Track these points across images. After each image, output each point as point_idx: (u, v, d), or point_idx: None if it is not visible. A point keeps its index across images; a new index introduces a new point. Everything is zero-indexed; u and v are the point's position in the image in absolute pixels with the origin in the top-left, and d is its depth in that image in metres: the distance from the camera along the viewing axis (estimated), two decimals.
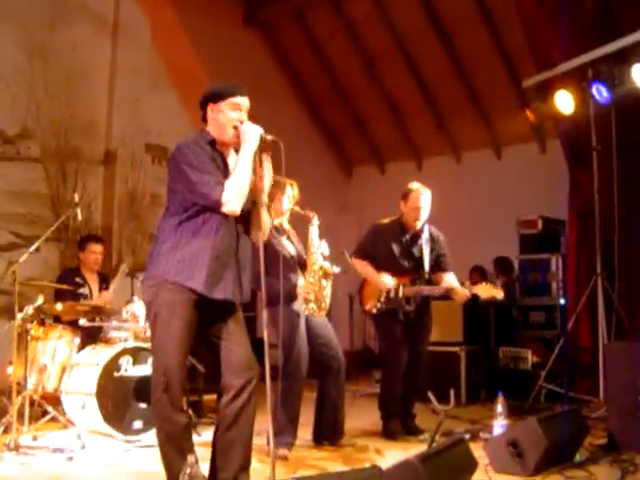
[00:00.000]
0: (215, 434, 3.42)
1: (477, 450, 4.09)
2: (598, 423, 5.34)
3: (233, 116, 3.39)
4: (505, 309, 7.86)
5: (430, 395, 4.49)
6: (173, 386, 3.27)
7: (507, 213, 8.52)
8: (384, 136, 11.28)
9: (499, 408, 4.71)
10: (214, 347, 3.43)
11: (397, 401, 5.32)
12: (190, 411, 5.26)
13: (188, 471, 2.82)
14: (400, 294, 5.26)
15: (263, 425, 3.54)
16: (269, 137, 3.39)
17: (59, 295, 6.00)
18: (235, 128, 3.38)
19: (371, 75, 10.41)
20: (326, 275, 4.90)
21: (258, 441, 4.30)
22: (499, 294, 5.11)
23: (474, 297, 5.28)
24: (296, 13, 10.17)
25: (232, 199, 3.26)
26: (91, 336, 5.71)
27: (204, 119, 3.50)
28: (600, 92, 6.28)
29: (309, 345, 4.86)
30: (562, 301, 7.62)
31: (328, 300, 4.94)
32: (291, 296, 4.74)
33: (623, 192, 6.53)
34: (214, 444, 3.42)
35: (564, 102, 6.61)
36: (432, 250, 5.41)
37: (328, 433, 4.99)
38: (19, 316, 5.03)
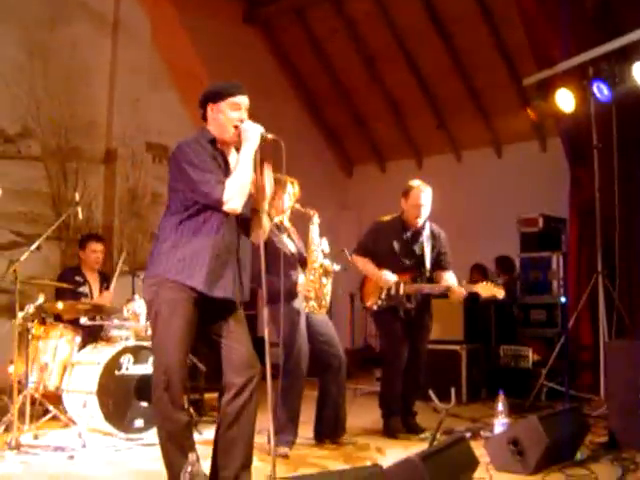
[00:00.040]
0: (216, 432, 3.43)
1: (478, 448, 4.09)
2: (599, 421, 5.34)
3: (233, 116, 3.39)
4: (506, 307, 7.86)
5: (431, 393, 4.49)
6: (174, 385, 3.27)
7: (508, 211, 8.52)
8: (384, 135, 11.28)
9: (500, 406, 4.71)
10: (215, 345, 3.43)
11: (398, 399, 5.32)
12: (191, 409, 5.26)
13: (189, 469, 2.82)
14: (401, 291, 5.26)
15: (264, 423, 3.55)
16: (270, 136, 3.39)
17: (59, 294, 6.01)
18: (236, 127, 3.38)
19: (371, 74, 10.41)
20: (326, 273, 4.90)
21: (259, 439, 4.29)
22: (500, 293, 5.10)
23: (475, 295, 5.27)
24: (296, 12, 10.16)
25: (233, 198, 3.26)
26: (92, 335, 5.71)
27: (204, 118, 3.51)
28: (601, 90, 6.28)
29: (310, 343, 4.86)
30: (563, 299, 7.63)
31: (328, 298, 4.94)
32: (291, 294, 4.74)
33: (624, 190, 6.53)
34: (215, 442, 3.42)
35: (565, 100, 6.61)
36: (433, 248, 5.41)
37: (329, 431, 4.99)
38: (20, 315, 5.04)
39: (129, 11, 8.83)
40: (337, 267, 5.02)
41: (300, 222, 5.06)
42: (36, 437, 4.94)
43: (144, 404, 5.07)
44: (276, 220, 4.79)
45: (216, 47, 9.59)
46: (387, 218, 5.50)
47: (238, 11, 10.30)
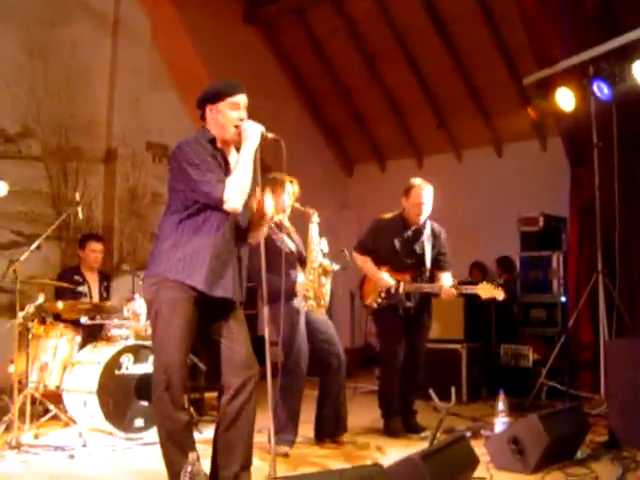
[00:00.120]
0: (216, 433, 3.43)
1: (478, 447, 4.09)
2: (599, 420, 5.34)
3: (233, 115, 3.39)
4: (506, 306, 7.84)
5: (431, 392, 4.49)
6: (174, 384, 3.27)
7: (508, 210, 8.52)
8: (385, 134, 11.27)
9: (500, 405, 4.71)
10: (214, 345, 3.43)
11: (397, 398, 5.32)
12: (191, 409, 5.27)
13: (189, 469, 2.82)
14: (401, 290, 5.26)
15: (264, 422, 3.55)
16: (270, 135, 3.40)
17: (59, 293, 6.02)
18: (236, 127, 3.38)
19: (372, 73, 10.40)
20: (326, 272, 4.89)
21: (259, 438, 4.31)
22: (499, 294, 5.08)
23: (475, 296, 5.26)
24: (296, 11, 10.15)
25: (234, 197, 3.26)
26: (92, 334, 5.71)
27: (203, 118, 3.50)
28: (601, 89, 6.28)
29: (310, 342, 4.86)
30: (563, 298, 7.63)
31: (327, 297, 4.93)
32: (291, 293, 4.74)
33: (624, 189, 6.52)
34: (215, 443, 3.42)
35: (565, 99, 6.61)
36: (434, 247, 5.41)
37: (329, 430, 4.99)
38: (20, 314, 5.05)
39: (129, 11, 8.83)
40: (336, 267, 5.02)
41: (300, 221, 5.06)
42: (36, 436, 4.95)
43: (144, 403, 5.07)
44: (276, 219, 4.79)
45: (216, 47, 9.59)
46: (388, 216, 5.50)
47: (238, 11, 10.29)
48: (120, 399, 5.07)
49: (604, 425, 5.08)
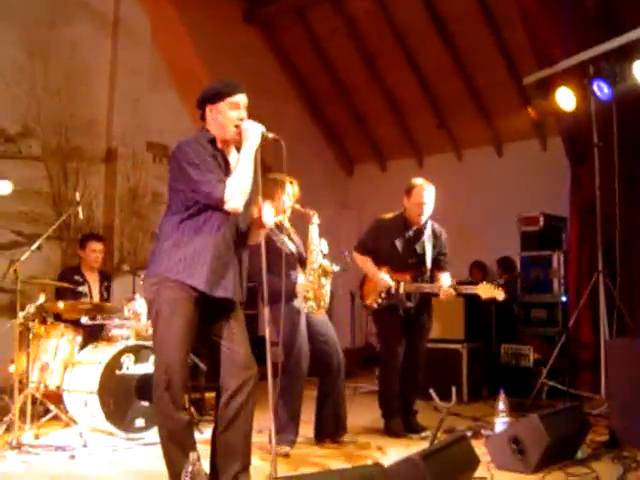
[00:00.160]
0: (214, 433, 3.43)
1: (479, 447, 4.10)
2: (600, 420, 5.34)
3: (233, 115, 3.39)
4: (506, 306, 7.84)
5: (432, 392, 4.49)
6: (175, 384, 3.27)
7: (508, 210, 8.52)
8: (385, 134, 11.27)
9: (501, 405, 4.72)
10: (213, 346, 3.43)
11: (397, 398, 5.32)
12: (192, 409, 5.27)
13: (190, 469, 2.82)
14: (401, 290, 5.26)
15: (265, 423, 3.55)
16: (270, 135, 3.40)
17: (59, 293, 6.02)
18: (237, 126, 3.38)
19: (372, 73, 10.40)
20: (325, 273, 4.90)
21: (260, 439, 4.32)
22: (500, 295, 5.08)
23: (475, 296, 5.26)
24: (296, 11, 10.15)
25: (234, 197, 3.26)
26: (93, 334, 5.72)
27: (202, 118, 3.50)
28: (601, 89, 6.28)
29: (310, 343, 4.86)
30: (563, 298, 7.63)
31: (327, 298, 4.94)
32: (292, 294, 4.74)
33: (624, 188, 6.52)
34: (213, 443, 3.43)
35: (565, 99, 6.61)
36: (434, 247, 5.41)
37: (330, 430, 5.00)
38: (21, 314, 5.05)
39: (129, 11, 8.83)
40: (336, 268, 5.02)
41: (300, 222, 5.06)
42: (37, 437, 4.95)
43: (145, 403, 5.07)
44: (276, 220, 4.79)
45: (216, 47, 9.59)
46: (389, 216, 5.50)
47: (238, 11, 10.29)
48: (121, 399, 5.07)
49: (605, 425, 5.08)
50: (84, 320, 5.60)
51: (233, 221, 3.39)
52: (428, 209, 5.31)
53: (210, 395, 5.99)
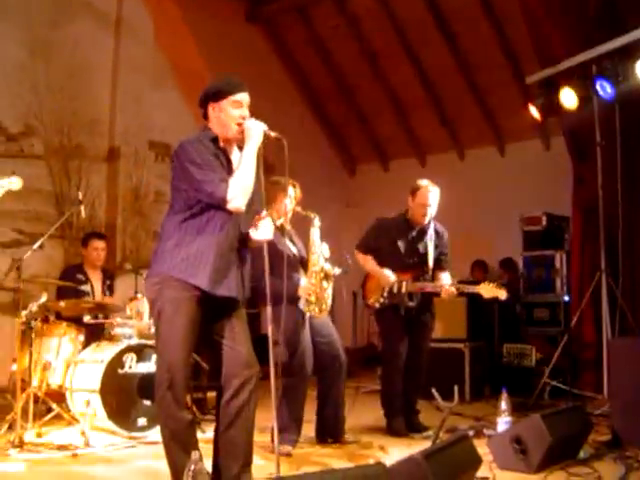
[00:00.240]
0: (216, 433, 3.43)
1: (481, 447, 4.08)
2: (602, 420, 5.34)
3: (235, 113, 3.38)
4: (509, 306, 7.85)
5: (434, 392, 4.49)
6: (177, 383, 3.27)
7: (511, 209, 8.52)
8: (387, 133, 11.27)
9: (503, 405, 4.71)
10: (215, 345, 3.43)
11: (399, 397, 5.32)
12: (194, 408, 5.27)
13: (192, 468, 2.81)
14: (403, 289, 5.26)
15: (267, 422, 3.54)
16: (273, 134, 3.39)
17: (61, 292, 6.02)
18: (239, 125, 3.38)
19: (374, 71, 10.40)
20: (327, 277, 4.90)
21: (262, 438, 4.31)
22: (502, 294, 5.09)
23: (477, 295, 5.26)
24: (298, 10, 10.15)
25: (237, 196, 3.25)
26: (95, 333, 5.71)
27: (205, 117, 3.50)
28: (604, 88, 6.27)
29: (312, 343, 4.86)
30: (566, 297, 7.63)
31: (329, 301, 4.94)
32: (294, 296, 4.74)
33: (627, 188, 6.52)
34: (215, 443, 3.42)
35: (568, 98, 6.60)
36: (436, 247, 5.42)
37: (331, 430, 4.99)
38: (23, 313, 5.05)
39: (132, 9, 8.84)
40: (337, 271, 5.01)
41: (301, 225, 5.05)
42: (39, 435, 4.95)
43: (147, 402, 5.08)
44: (277, 223, 4.78)
45: (218, 45, 9.59)
46: (391, 215, 5.51)
47: (240, 10, 10.29)
48: (123, 398, 5.07)
49: (607, 424, 5.08)
50: (87, 319, 5.60)
51: (236, 221, 3.39)
52: (432, 210, 5.31)
53: (212, 394, 6.00)
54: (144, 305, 5.46)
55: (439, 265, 5.43)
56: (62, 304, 5.50)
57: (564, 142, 7.57)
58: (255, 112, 3.44)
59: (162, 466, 3.44)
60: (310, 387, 4.96)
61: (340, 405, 5.02)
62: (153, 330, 3.93)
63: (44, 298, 5.22)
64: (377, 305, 5.39)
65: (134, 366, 5.18)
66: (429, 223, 5.39)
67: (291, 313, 4.58)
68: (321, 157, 11.51)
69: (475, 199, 9.67)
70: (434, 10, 9.26)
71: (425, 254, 5.36)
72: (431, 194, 5.28)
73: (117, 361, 5.12)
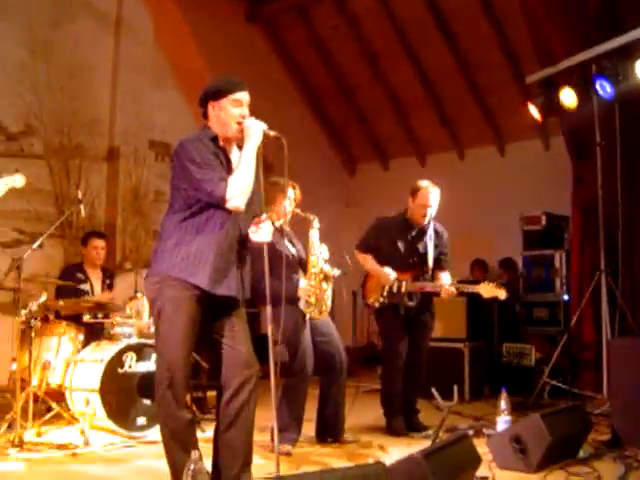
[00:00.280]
0: (216, 432, 3.43)
1: (481, 446, 4.08)
2: (601, 419, 5.34)
3: (235, 112, 3.38)
4: (509, 305, 7.85)
5: (433, 391, 4.49)
6: (177, 382, 3.27)
7: (511, 209, 8.52)
8: (387, 132, 11.26)
9: (502, 404, 4.71)
10: (215, 344, 3.42)
11: (399, 397, 5.32)
12: (194, 407, 5.27)
13: (192, 467, 2.82)
14: (403, 289, 5.27)
15: (268, 422, 3.54)
16: (272, 133, 3.39)
17: (60, 291, 6.02)
18: (239, 124, 3.38)
19: (374, 71, 10.40)
20: (326, 278, 4.90)
21: (262, 437, 4.32)
22: (502, 294, 5.09)
23: (477, 295, 5.26)
24: (298, 10, 10.15)
25: (236, 195, 3.25)
26: (95, 332, 5.71)
27: (205, 116, 3.50)
28: (604, 88, 6.27)
29: (312, 343, 4.86)
30: (565, 297, 7.63)
31: (329, 302, 4.94)
32: (294, 296, 4.74)
33: (626, 188, 6.52)
34: (215, 442, 3.42)
35: (568, 98, 6.60)
36: (436, 247, 5.42)
37: (331, 429, 4.99)
38: (23, 312, 5.05)
39: (132, 9, 8.84)
40: (337, 272, 5.01)
41: (301, 226, 5.05)
42: (39, 435, 4.94)
43: (147, 402, 5.08)
44: (277, 224, 4.77)
45: (219, 45, 9.59)
46: (391, 215, 5.52)
47: (241, 10, 10.29)
48: (123, 397, 5.07)
49: (607, 424, 5.08)
50: (86, 318, 5.60)
51: (236, 220, 3.39)
52: (432, 211, 5.32)
53: (212, 394, 6.00)
54: (144, 304, 5.47)
55: (439, 265, 5.44)
56: (61, 303, 5.50)
57: (564, 142, 7.58)
58: (255, 112, 3.44)
59: (162, 465, 3.44)
60: (311, 386, 4.96)
61: (340, 404, 5.02)
62: (153, 329, 3.93)
63: (44, 297, 5.22)
64: (377, 305, 5.40)
65: (134, 365, 5.18)
66: (429, 223, 5.39)
67: (291, 314, 4.59)
68: (321, 157, 11.51)
69: (475, 199, 9.67)
70: (434, 10, 9.26)
71: (425, 254, 5.36)
72: (431, 195, 5.28)
73: (117, 360, 5.12)
